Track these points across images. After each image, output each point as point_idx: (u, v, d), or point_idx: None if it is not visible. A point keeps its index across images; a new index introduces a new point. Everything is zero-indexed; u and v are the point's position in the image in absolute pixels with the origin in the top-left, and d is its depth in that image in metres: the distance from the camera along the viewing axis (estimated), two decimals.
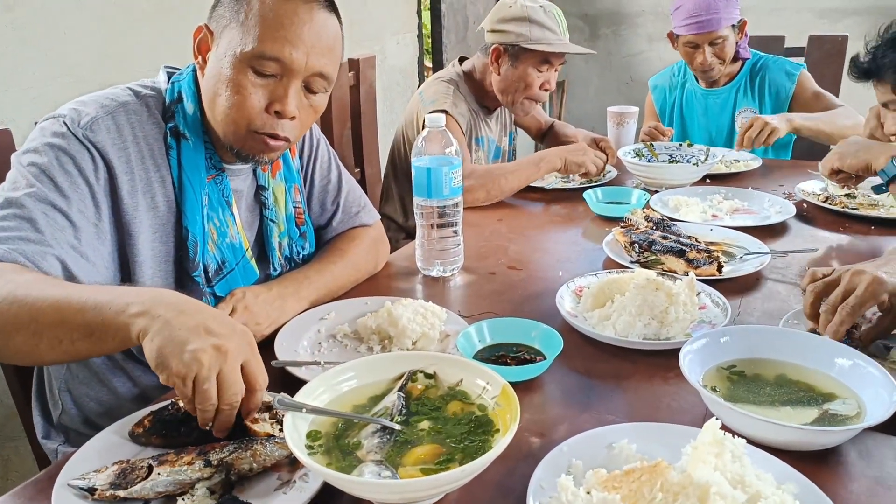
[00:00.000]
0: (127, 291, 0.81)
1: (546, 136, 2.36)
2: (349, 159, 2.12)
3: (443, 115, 1.32)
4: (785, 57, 2.36)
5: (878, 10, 3.45)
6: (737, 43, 2.20)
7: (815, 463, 0.79)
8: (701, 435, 0.71)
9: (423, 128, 1.32)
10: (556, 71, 1.96)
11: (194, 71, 1.08)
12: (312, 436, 0.76)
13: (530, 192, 1.89)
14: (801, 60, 2.43)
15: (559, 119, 2.49)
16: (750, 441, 0.77)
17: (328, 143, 1.37)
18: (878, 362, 0.88)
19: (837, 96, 2.35)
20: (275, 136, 1.02)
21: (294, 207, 1.25)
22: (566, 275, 1.33)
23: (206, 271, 1.09)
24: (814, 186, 1.81)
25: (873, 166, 1.39)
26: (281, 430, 0.77)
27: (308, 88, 1.04)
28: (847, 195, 1.71)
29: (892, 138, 1.45)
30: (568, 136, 2.27)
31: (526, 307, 1.23)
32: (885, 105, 1.34)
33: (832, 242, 1.53)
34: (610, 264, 1.39)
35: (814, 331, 1.02)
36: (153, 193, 1.03)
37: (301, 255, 1.27)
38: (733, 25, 2.15)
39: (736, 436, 0.73)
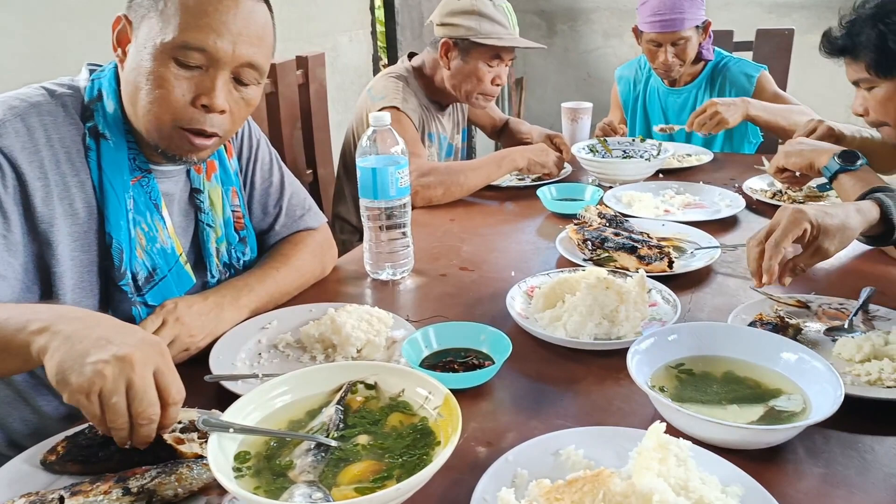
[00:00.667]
0: (29, 309, 0.76)
1: (501, 134, 2.34)
2: (301, 160, 2.06)
3: (388, 114, 1.28)
4: (737, 52, 2.37)
5: (825, 4, 3.53)
6: (700, 44, 2.19)
7: (763, 462, 0.78)
8: (644, 440, 0.68)
9: (368, 126, 1.28)
10: (506, 66, 1.93)
11: (116, 67, 1.02)
12: (241, 457, 0.71)
13: (484, 191, 1.86)
14: (749, 55, 2.45)
15: (518, 117, 2.46)
16: (698, 441, 0.76)
17: (269, 143, 1.31)
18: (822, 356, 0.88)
19: (785, 88, 2.39)
20: (202, 133, 0.97)
21: (233, 211, 1.19)
22: (519, 274, 1.31)
23: (135, 279, 1.03)
24: (761, 183, 1.83)
25: (816, 164, 1.40)
26: None
27: (238, 80, 0.98)
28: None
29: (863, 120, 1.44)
30: (522, 133, 2.25)
31: (477, 309, 1.20)
32: (855, 83, 1.32)
33: None
34: (563, 263, 1.37)
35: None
36: (71, 199, 0.97)
37: (241, 262, 1.21)
38: (697, 26, 2.13)
39: (682, 437, 0.71)
